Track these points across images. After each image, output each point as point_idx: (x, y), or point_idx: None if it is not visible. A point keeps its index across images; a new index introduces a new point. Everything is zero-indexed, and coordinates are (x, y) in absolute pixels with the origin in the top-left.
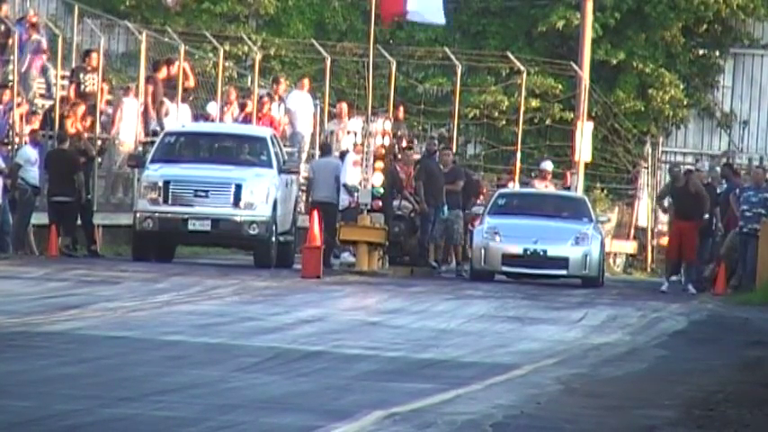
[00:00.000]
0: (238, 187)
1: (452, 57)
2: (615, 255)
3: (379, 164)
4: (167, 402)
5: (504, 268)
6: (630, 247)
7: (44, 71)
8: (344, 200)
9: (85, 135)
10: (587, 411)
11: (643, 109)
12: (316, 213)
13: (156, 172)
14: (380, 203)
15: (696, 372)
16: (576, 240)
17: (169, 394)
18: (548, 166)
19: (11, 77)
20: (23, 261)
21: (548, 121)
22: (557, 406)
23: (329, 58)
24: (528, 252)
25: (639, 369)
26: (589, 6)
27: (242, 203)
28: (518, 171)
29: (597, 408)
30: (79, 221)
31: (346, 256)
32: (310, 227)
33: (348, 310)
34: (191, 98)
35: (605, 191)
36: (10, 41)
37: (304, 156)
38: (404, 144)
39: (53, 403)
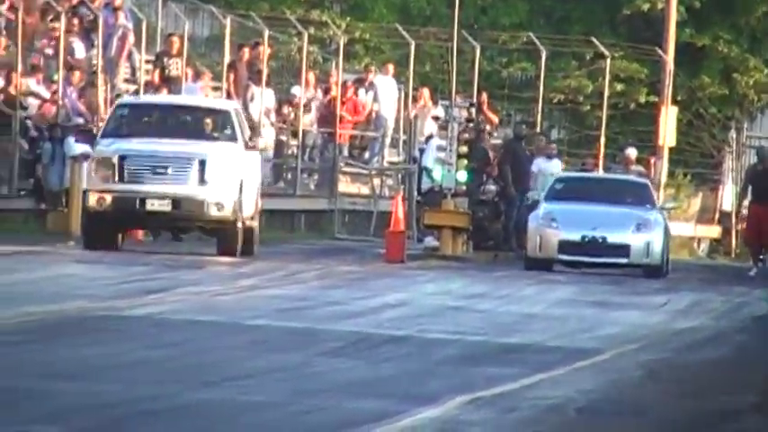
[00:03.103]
0: (202, 163)
1: (536, 41)
2: (699, 240)
3: (463, 149)
4: (250, 387)
5: (561, 256)
6: (715, 231)
7: (129, 56)
8: (426, 184)
9: None
10: (669, 397)
11: (728, 93)
12: (400, 198)
13: (109, 147)
14: (464, 188)
15: None
16: (637, 227)
17: (252, 379)
18: (631, 152)
19: (95, 62)
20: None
21: (632, 106)
22: (639, 391)
23: (413, 43)
24: (586, 239)
25: (722, 354)
26: None
27: (206, 181)
28: (602, 156)
29: (679, 393)
30: None
31: (430, 240)
32: (394, 211)
33: (432, 294)
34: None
35: (689, 176)
36: (95, 27)
37: (388, 140)
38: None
39: (136, 387)
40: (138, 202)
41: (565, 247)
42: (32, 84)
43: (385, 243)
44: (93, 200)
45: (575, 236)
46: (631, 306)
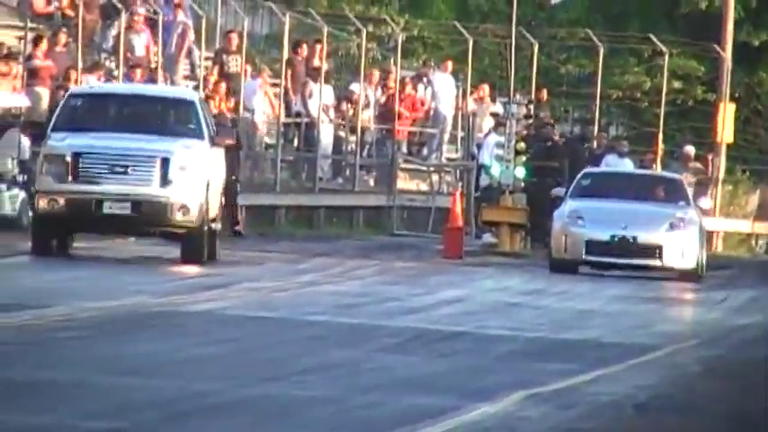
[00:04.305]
0: (165, 161)
1: (594, 38)
2: (757, 236)
3: (521, 146)
4: (308, 382)
5: (588, 257)
6: None
7: (189, 52)
8: (484, 180)
9: (229, 116)
10: (726, 394)
11: None
12: (458, 194)
13: (61, 142)
14: (522, 185)
15: None
16: (670, 226)
17: (310, 374)
18: (689, 149)
19: (155, 59)
20: (167, 241)
21: (689, 103)
22: (696, 388)
23: (471, 40)
24: (615, 239)
25: None
26: None
27: (170, 182)
28: (660, 152)
29: (736, 390)
30: (223, 202)
31: (488, 237)
32: (452, 208)
33: (490, 291)
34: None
35: (747, 172)
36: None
37: (446, 137)
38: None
39: (193, 383)
40: (93, 204)
41: (592, 247)
42: (93, 80)
43: (443, 239)
44: (43, 202)
45: (603, 235)
46: (689, 302)
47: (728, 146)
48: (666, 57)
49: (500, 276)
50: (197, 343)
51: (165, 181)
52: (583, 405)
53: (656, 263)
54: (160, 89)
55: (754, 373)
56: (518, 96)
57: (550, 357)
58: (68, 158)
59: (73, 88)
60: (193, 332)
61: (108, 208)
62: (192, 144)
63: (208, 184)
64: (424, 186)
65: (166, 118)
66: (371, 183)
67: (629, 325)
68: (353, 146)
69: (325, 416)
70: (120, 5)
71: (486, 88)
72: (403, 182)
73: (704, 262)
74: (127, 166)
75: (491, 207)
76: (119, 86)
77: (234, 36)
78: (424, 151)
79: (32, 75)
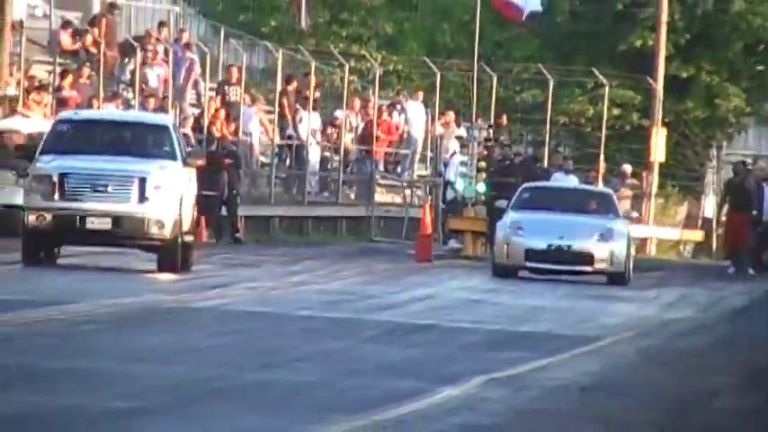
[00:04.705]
0: (142, 181)
1: (545, 72)
2: (685, 242)
3: (482, 164)
4: (302, 369)
5: (528, 264)
6: (698, 235)
7: (195, 84)
8: (450, 194)
9: (230, 138)
10: (661, 378)
11: (709, 116)
12: (427, 206)
13: (48, 164)
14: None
15: (756, 344)
16: (601, 236)
17: (303, 361)
18: (626, 168)
19: (165, 90)
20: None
21: (627, 128)
22: (635, 373)
23: (439, 74)
24: (552, 248)
25: (707, 341)
26: (663, 28)
27: (147, 199)
28: (602, 170)
29: (670, 375)
30: (224, 213)
31: (453, 243)
32: (423, 218)
33: (455, 289)
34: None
35: (676, 188)
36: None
37: (417, 156)
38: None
39: (202, 369)
40: (78, 220)
41: (531, 254)
42: (112, 108)
43: (415, 245)
44: (32, 217)
45: (541, 244)
46: (626, 299)
47: (660, 165)
48: (607, 88)
49: (464, 277)
50: (203, 335)
51: (142, 198)
52: (535, 388)
53: (588, 268)
54: (137, 115)
55: (683, 361)
56: (479, 122)
57: (507, 347)
58: (55, 178)
59: (60, 115)
60: (200, 325)
61: (91, 223)
62: (167, 165)
63: (181, 201)
64: (398, 199)
65: (143, 142)
66: (353, 196)
67: (575, 319)
68: (337, 164)
69: (318, 398)
70: (136, 44)
71: (451, 114)
72: (380, 195)
73: (631, 267)
74: (107, 185)
75: (456, 217)
76: (101, 113)
77: (234, 70)
78: (398, 169)
79: (60, 103)
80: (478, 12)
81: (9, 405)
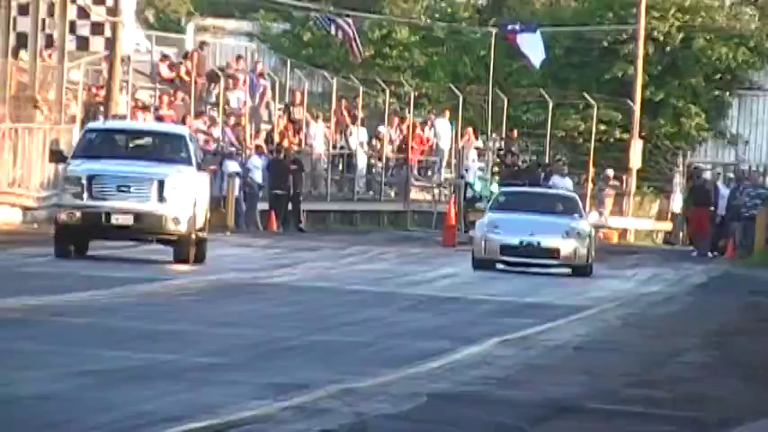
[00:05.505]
0: (161, 183)
1: (546, 95)
2: (657, 232)
3: (496, 169)
4: (351, 332)
5: (503, 258)
6: (668, 226)
7: (267, 105)
8: (470, 193)
9: (294, 148)
10: (639, 339)
11: (677, 131)
12: (452, 202)
13: (79, 167)
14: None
15: (714, 312)
16: (566, 233)
17: (352, 326)
18: (610, 172)
19: (243, 110)
20: (252, 235)
21: (611, 140)
22: (618, 335)
23: (461, 97)
24: (523, 243)
25: (675, 310)
26: (640, 62)
27: (165, 199)
28: (591, 175)
29: (646, 336)
30: (290, 208)
31: (472, 232)
32: (448, 212)
33: (474, 269)
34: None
35: (651, 188)
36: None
37: (444, 163)
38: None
39: (273, 332)
40: (104, 216)
41: (505, 250)
42: (199, 124)
43: (442, 234)
44: (64, 215)
45: (514, 240)
46: (611, 277)
47: (638, 170)
48: (595, 108)
49: None
50: (274, 305)
51: (160, 198)
52: (538, 347)
53: (555, 262)
54: (157, 125)
55: (656, 325)
56: (493, 135)
57: (516, 314)
58: (84, 180)
59: (89, 124)
60: (272, 297)
61: (115, 219)
62: (183, 169)
63: (195, 202)
64: (429, 197)
65: (162, 148)
66: (392, 194)
67: (569, 292)
68: (380, 169)
69: (363, 354)
70: (220, 73)
71: (471, 130)
72: (415, 194)
73: (592, 260)
74: (130, 186)
75: (474, 211)
76: (125, 123)
77: (298, 93)
78: (429, 173)
79: (159, 121)
80: (493, 47)
81: (122, 360)
